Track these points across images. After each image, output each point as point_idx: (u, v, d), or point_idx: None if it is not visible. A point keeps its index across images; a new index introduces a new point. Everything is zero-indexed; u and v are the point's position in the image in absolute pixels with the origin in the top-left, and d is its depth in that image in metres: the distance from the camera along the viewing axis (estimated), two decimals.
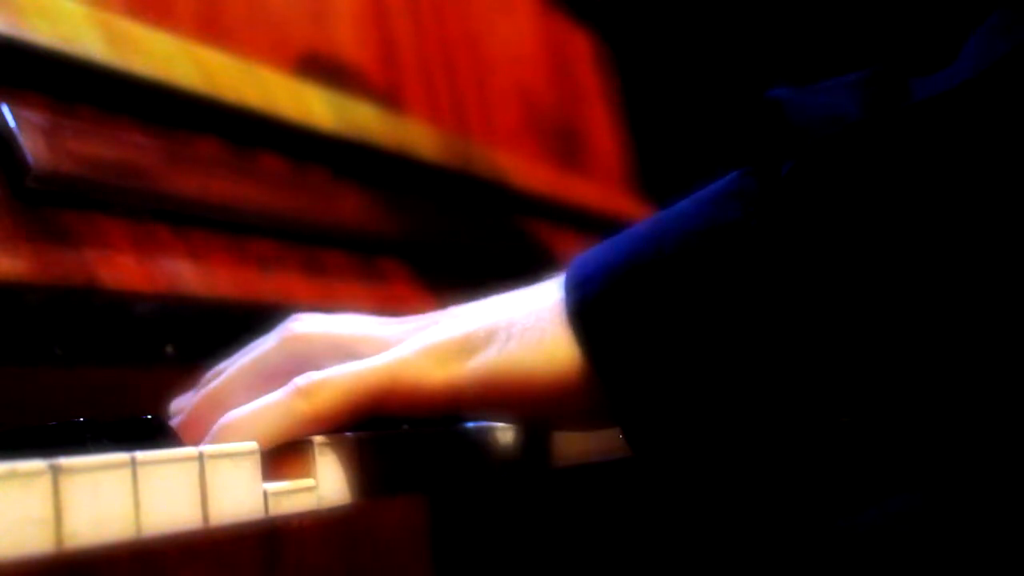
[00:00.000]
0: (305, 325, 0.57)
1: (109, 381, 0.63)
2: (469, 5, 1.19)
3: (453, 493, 0.55)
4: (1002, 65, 0.48)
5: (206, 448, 0.44)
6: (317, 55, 0.92)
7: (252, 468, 0.45)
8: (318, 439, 0.50)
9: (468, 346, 0.53)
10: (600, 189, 1.32)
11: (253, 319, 0.70)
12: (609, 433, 0.67)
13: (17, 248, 0.57)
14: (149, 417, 0.49)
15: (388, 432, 0.55)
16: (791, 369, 0.50)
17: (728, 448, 0.53)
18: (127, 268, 0.64)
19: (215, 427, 0.51)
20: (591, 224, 1.20)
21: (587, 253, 0.54)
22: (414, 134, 0.97)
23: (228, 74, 0.77)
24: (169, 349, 0.69)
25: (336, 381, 0.52)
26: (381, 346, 0.55)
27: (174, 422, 0.56)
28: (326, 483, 0.50)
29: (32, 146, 0.60)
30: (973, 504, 0.65)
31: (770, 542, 0.71)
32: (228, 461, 0.44)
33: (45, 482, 0.36)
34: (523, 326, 0.53)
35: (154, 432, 0.48)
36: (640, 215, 1.33)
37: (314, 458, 0.50)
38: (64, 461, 0.37)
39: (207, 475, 0.43)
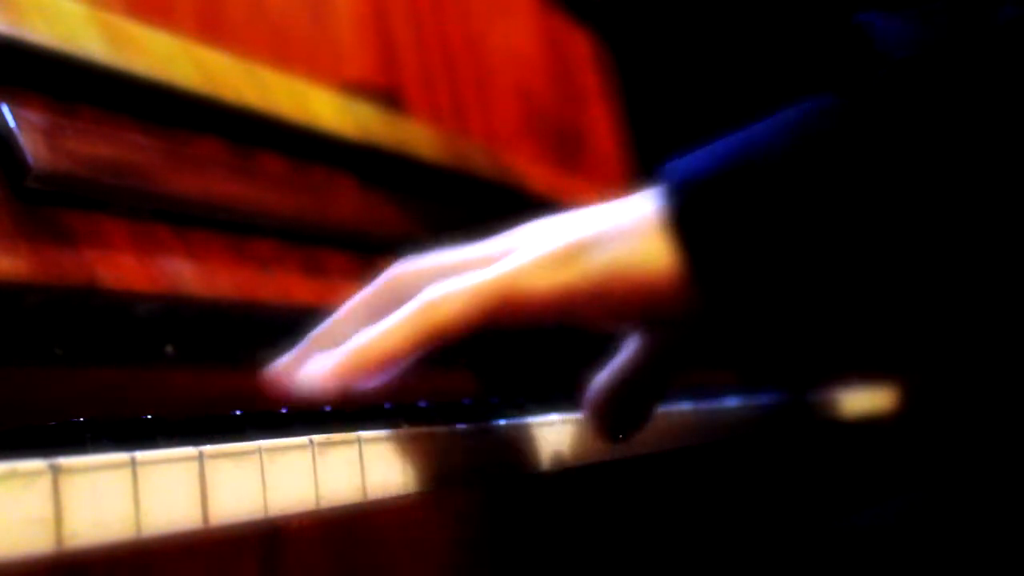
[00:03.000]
0: (411, 261, 0.60)
1: (109, 381, 0.63)
2: (469, 5, 1.19)
3: (457, 493, 0.55)
4: None
5: (206, 448, 0.44)
6: (317, 55, 0.92)
7: (252, 468, 0.45)
8: (318, 439, 0.50)
9: (574, 253, 0.56)
10: (600, 189, 1.32)
11: (253, 319, 0.70)
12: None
13: (17, 248, 0.57)
14: (149, 417, 0.49)
15: (391, 431, 0.55)
16: (881, 270, 0.53)
17: (815, 349, 0.57)
18: (127, 268, 0.63)
19: (345, 348, 0.53)
20: None
21: (678, 163, 0.57)
22: (414, 134, 0.97)
23: (228, 74, 0.77)
24: (169, 349, 0.68)
25: (457, 293, 0.55)
26: (488, 264, 0.57)
27: (282, 361, 0.58)
28: (326, 484, 0.50)
29: (32, 146, 0.60)
30: (973, 504, 0.65)
31: (770, 542, 0.71)
32: (228, 461, 0.44)
33: (45, 482, 0.36)
34: (625, 232, 0.56)
35: (154, 432, 0.47)
36: None
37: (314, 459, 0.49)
38: (64, 461, 0.37)
39: (207, 475, 0.43)
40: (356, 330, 0.56)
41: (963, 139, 0.51)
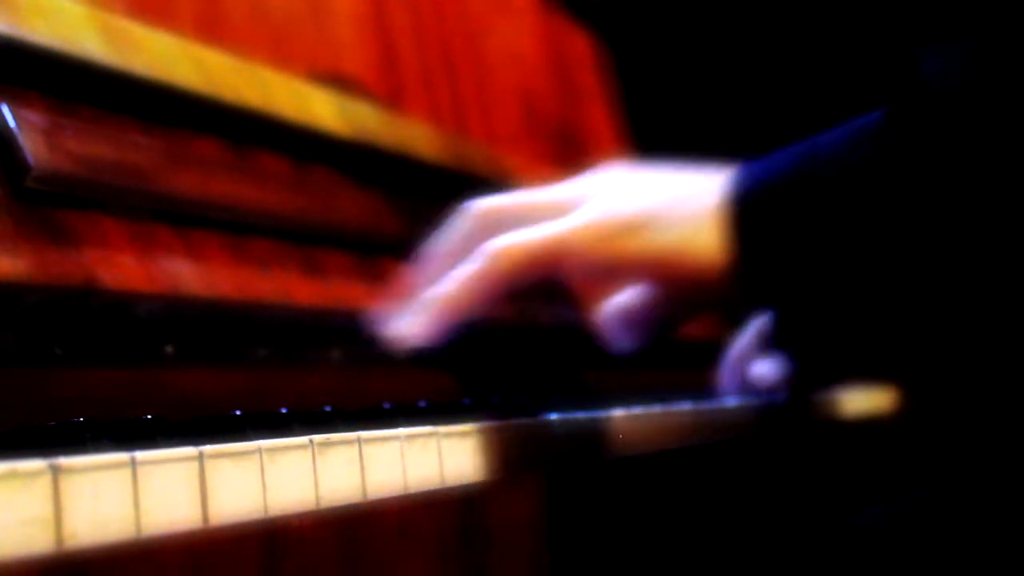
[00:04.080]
0: (487, 201, 0.65)
1: (109, 381, 0.63)
2: (469, 5, 1.19)
3: (453, 494, 0.55)
4: None
5: (206, 448, 0.44)
6: (317, 55, 0.92)
7: (252, 468, 0.45)
8: (318, 439, 0.50)
9: (631, 226, 0.61)
10: None
11: (253, 319, 0.70)
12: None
13: (17, 248, 0.57)
14: (149, 417, 0.49)
15: (391, 431, 0.55)
16: (914, 280, 0.57)
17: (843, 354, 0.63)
18: (127, 268, 0.63)
19: (423, 302, 0.62)
20: None
21: (744, 168, 0.61)
22: (414, 134, 0.97)
23: (228, 74, 0.77)
24: (169, 349, 0.68)
25: (518, 248, 0.62)
26: (561, 209, 0.63)
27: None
28: (326, 484, 0.50)
29: (32, 146, 0.60)
30: (973, 504, 0.65)
31: (770, 542, 0.71)
32: (228, 461, 0.44)
33: (45, 482, 0.36)
34: (682, 217, 0.61)
35: (154, 432, 0.47)
36: None
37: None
38: (64, 461, 0.37)
39: (207, 475, 0.43)
40: (443, 273, 0.64)
41: (994, 185, 0.54)
